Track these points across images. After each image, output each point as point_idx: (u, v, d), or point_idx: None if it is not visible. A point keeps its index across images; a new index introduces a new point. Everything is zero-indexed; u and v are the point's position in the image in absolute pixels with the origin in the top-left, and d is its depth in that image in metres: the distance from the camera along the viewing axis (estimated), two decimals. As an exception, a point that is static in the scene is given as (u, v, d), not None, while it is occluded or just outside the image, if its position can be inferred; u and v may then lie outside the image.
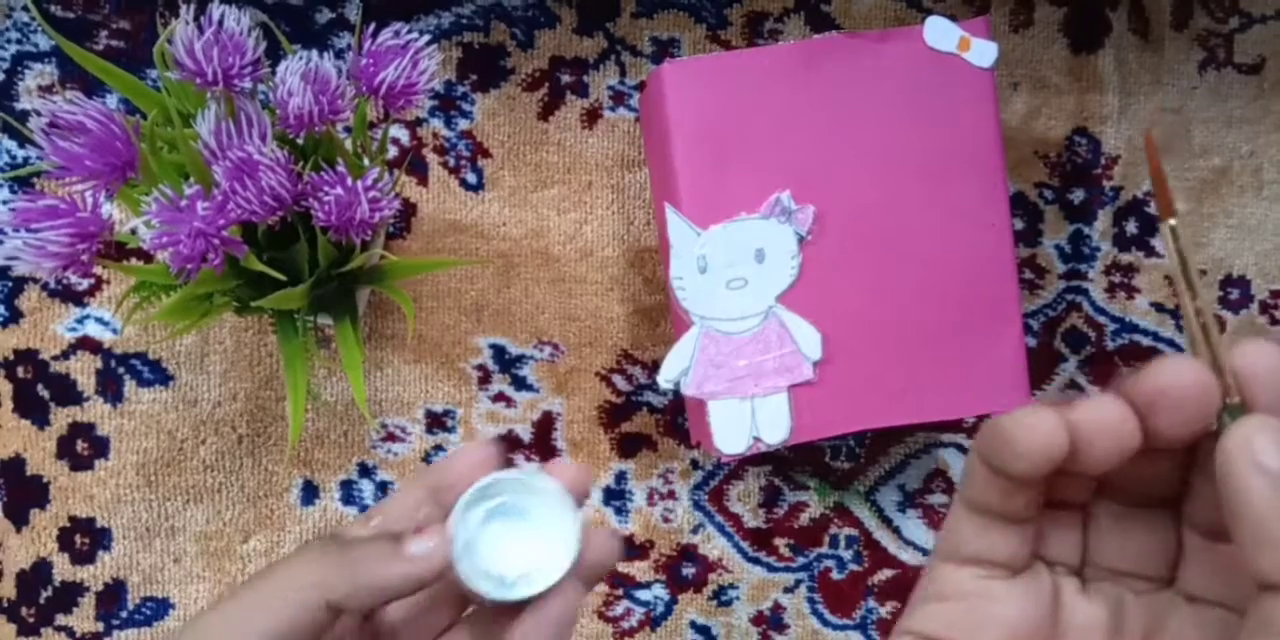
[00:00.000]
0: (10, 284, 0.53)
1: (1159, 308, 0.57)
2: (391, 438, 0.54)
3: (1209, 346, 0.20)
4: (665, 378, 0.46)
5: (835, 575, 0.56)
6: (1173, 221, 0.22)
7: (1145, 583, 0.24)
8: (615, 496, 0.55)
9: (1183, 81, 0.57)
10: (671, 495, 0.55)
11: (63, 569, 0.53)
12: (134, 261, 0.52)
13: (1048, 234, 0.57)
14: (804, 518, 0.56)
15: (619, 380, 0.55)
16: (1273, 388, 0.19)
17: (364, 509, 0.54)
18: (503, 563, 0.27)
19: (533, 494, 0.27)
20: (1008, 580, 0.24)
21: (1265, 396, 0.19)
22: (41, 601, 0.53)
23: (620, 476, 0.55)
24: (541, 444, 0.55)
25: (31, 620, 0.53)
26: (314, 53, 0.38)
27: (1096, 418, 0.20)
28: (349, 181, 0.37)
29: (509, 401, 0.55)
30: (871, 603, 0.56)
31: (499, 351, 0.55)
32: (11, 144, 0.53)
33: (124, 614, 0.53)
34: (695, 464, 0.55)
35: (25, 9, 0.52)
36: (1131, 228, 0.57)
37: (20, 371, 0.53)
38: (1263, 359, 0.19)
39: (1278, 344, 0.19)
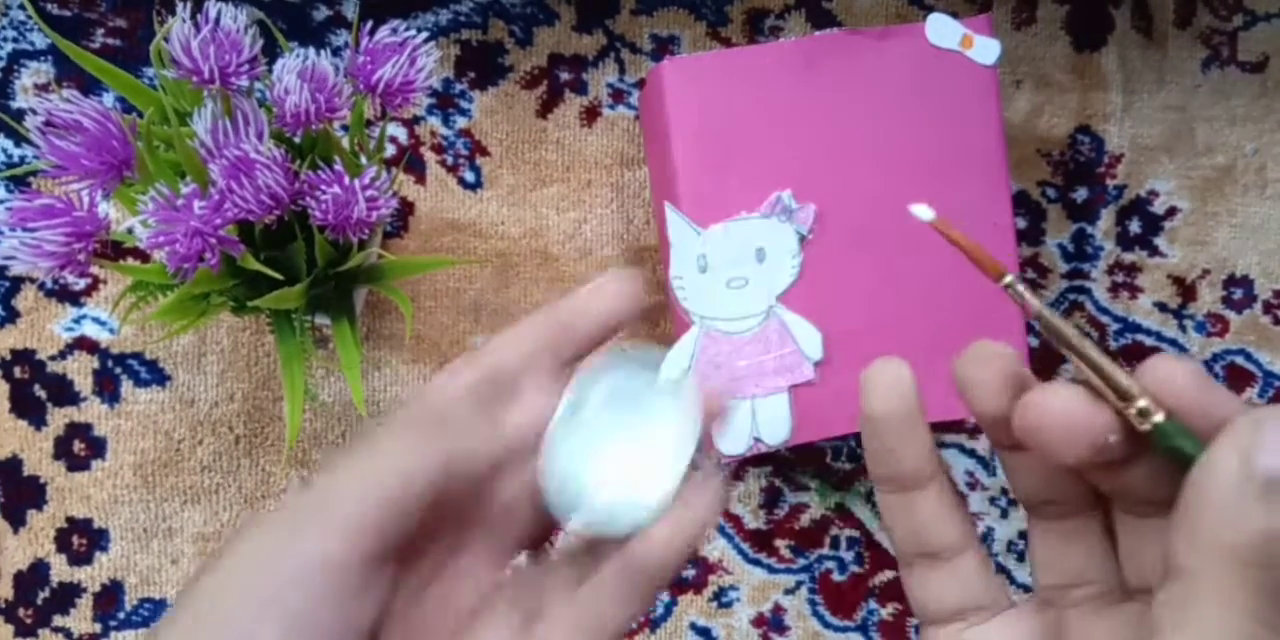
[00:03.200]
0: (7, 284, 0.52)
1: (1162, 307, 0.57)
2: (390, 438, 0.54)
3: (1097, 374, 0.20)
4: (665, 378, 0.46)
5: (836, 577, 0.56)
6: (1007, 278, 0.22)
7: (1087, 590, 0.23)
8: (615, 497, 0.55)
9: (1186, 79, 0.57)
10: (672, 496, 0.55)
11: (60, 570, 0.53)
12: (131, 261, 0.52)
13: (1050, 233, 0.56)
14: (805, 519, 0.56)
15: (619, 380, 0.55)
16: (1190, 395, 0.19)
17: (362, 509, 0.54)
18: (595, 472, 0.22)
19: (655, 391, 0.22)
20: (988, 622, 0.23)
21: (1186, 403, 0.20)
22: (39, 602, 0.53)
23: (620, 477, 0.55)
24: (541, 444, 0.54)
25: (29, 621, 0.53)
26: (311, 50, 0.38)
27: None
28: (346, 180, 0.37)
29: (508, 401, 0.54)
30: (872, 604, 0.56)
31: (498, 351, 0.54)
32: (8, 143, 0.52)
33: (121, 615, 0.53)
34: (695, 465, 0.55)
35: (21, 7, 0.52)
36: (1135, 227, 0.57)
37: (17, 371, 0.52)
38: (1178, 373, 0.20)
39: (1179, 359, 0.20)
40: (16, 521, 0.53)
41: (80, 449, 0.53)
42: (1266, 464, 0.17)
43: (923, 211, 0.23)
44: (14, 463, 0.52)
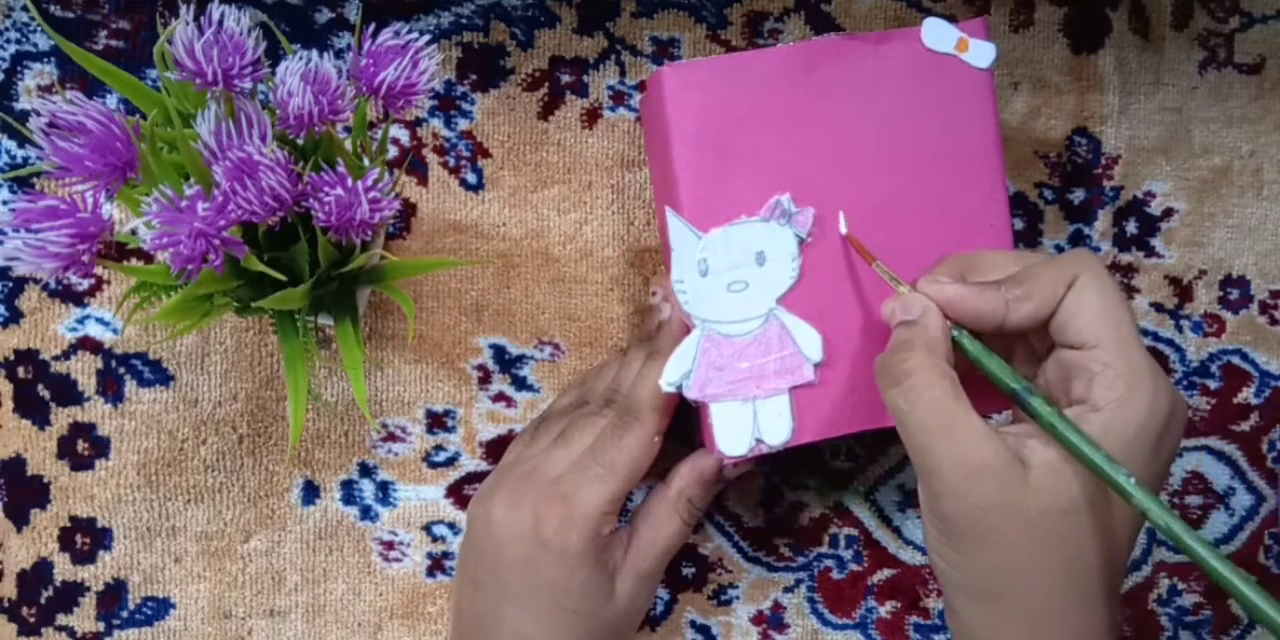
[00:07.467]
0: (10, 284, 0.53)
1: (1159, 308, 0.57)
2: (392, 438, 0.54)
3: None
4: (667, 381, 0.46)
5: (835, 575, 0.56)
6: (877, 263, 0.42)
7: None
8: (615, 496, 0.55)
9: (1183, 81, 0.57)
10: (671, 495, 0.55)
11: (63, 569, 0.53)
12: (134, 262, 0.52)
13: (1048, 234, 0.57)
14: (804, 517, 0.56)
15: (619, 380, 0.55)
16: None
17: (365, 509, 0.54)
18: None
19: None
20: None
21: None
22: (42, 601, 0.53)
23: (620, 476, 0.55)
24: (542, 444, 0.55)
25: (32, 620, 0.53)
26: (314, 53, 0.38)
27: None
28: (349, 182, 0.37)
29: (509, 401, 0.55)
30: (872, 602, 0.56)
31: (499, 351, 0.55)
32: (11, 144, 0.53)
33: (125, 614, 0.53)
34: (695, 464, 0.55)
35: (24, 9, 0.52)
36: (1131, 228, 0.57)
37: (20, 372, 0.53)
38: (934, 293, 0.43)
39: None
40: (20, 521, 0.53)
41: (84, 448, 0.53)
42: None
43: (841, 225, 0.45)
44: (18, 462, 0.53)
